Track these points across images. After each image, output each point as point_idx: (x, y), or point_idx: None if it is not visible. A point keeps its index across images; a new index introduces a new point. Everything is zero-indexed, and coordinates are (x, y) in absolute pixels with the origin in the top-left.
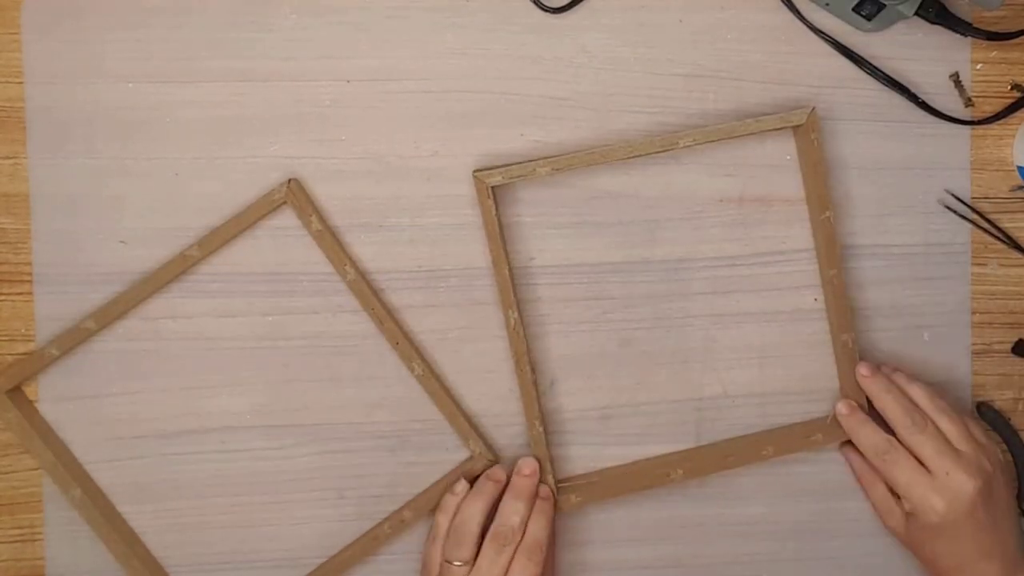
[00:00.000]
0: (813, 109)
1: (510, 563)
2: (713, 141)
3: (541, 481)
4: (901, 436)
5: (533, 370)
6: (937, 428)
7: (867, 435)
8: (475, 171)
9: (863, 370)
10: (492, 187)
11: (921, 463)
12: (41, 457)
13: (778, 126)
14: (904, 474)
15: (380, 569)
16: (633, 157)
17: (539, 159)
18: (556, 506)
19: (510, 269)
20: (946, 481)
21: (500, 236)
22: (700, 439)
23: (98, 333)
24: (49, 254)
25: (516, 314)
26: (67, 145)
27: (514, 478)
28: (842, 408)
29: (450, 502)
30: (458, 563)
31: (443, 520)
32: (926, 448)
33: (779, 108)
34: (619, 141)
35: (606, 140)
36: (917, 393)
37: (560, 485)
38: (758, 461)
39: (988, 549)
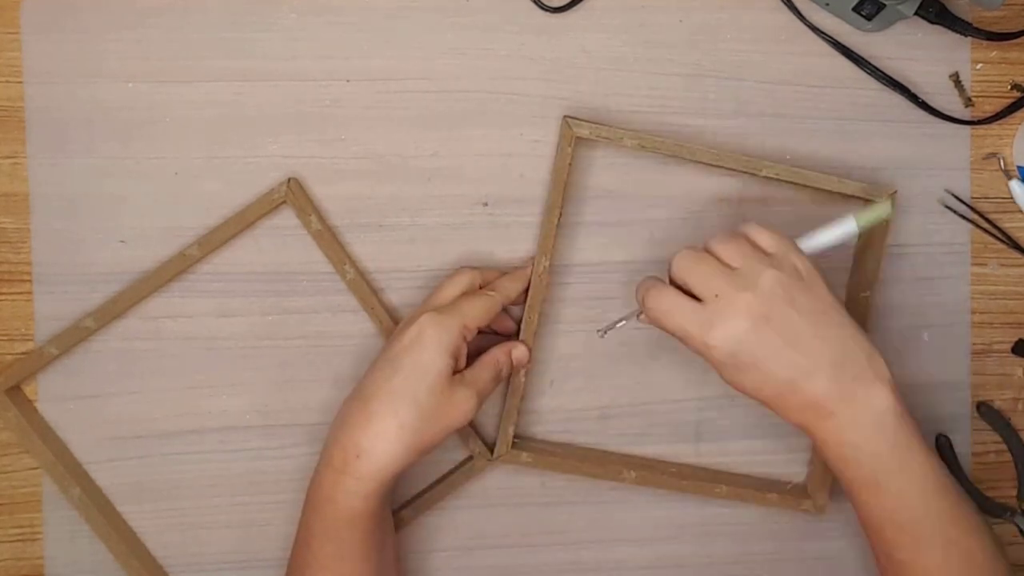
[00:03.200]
0: (895, 193)
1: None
2: (790, 183)
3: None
4: (679, 278)
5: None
6: (713, 257)
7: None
8: (567, 116)
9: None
10: (576, 137)
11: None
12: (40, 456)
13: (858, 194)
14: (672, 316)
15: None
16: (714, 165)
17: (628, 129)
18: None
19: (559, 220)
20: (716, 306)
21: (564, 186)
22: (700, 439)
23: (98, 332)
24: (49, 254)
25: (547, 262)
26: (67, 145)
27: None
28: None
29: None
30: None
31: None
32: (690, 278)
33: (780, 109)
34: (708, 146)
35: None
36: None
37: (518, 440)
38: (710, 497)
39: (802, 366)
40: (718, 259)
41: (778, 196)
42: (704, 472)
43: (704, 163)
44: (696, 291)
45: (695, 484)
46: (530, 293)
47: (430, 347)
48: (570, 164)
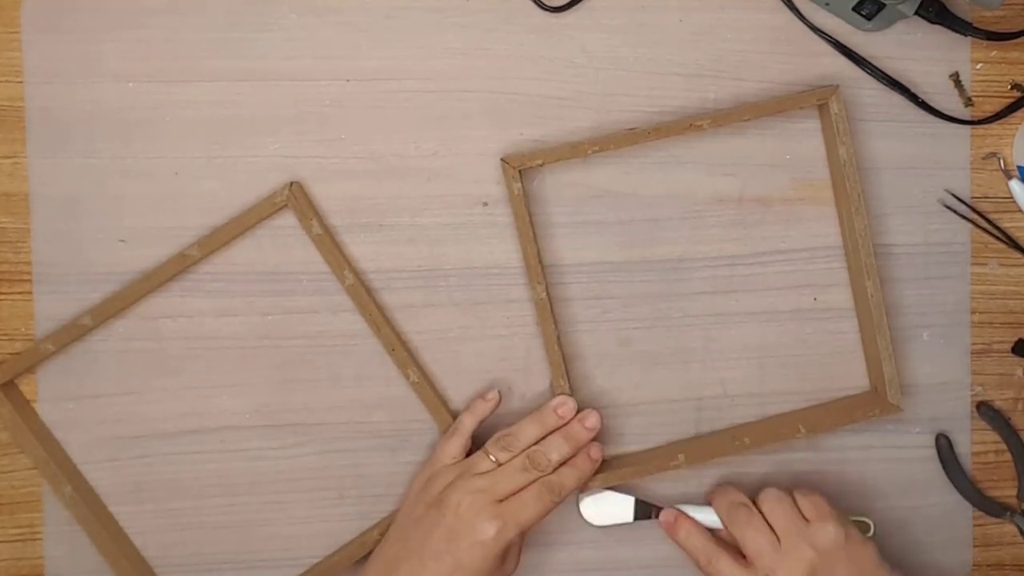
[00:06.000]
0: (837, 87)
1: (527, 485)
2: (733, 123)
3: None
4: (730, 530)
5: (559, 343)
6: (764, 521)
7: (692, 539)
8: (502, 159)
9: (666, 518)
10: (520, 171)
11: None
12: (32, 453)
13: (808, 103)
14: (753, 548)
15: None
16: (659, 138)
17: (562, 144)
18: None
19: (537, 248)
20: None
21: (531, 222)
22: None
23: (98, 333)
24: (49, 254)
25: (544, 289)
26: (67, 145)
27: (575, 423)
28: (668, 517)
29: (480, 408)
30: (492, 459)
31: (469, 421)
32: (748, 546)
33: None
34: (649, 126)
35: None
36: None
37: None
38: (740, 452)
39: None
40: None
41: (776, 196)
42: (734, 430)
43: (649, 141)
44: (781, 536)
45: (727, 446)
46: (541, 326)
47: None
48: (523, 196)
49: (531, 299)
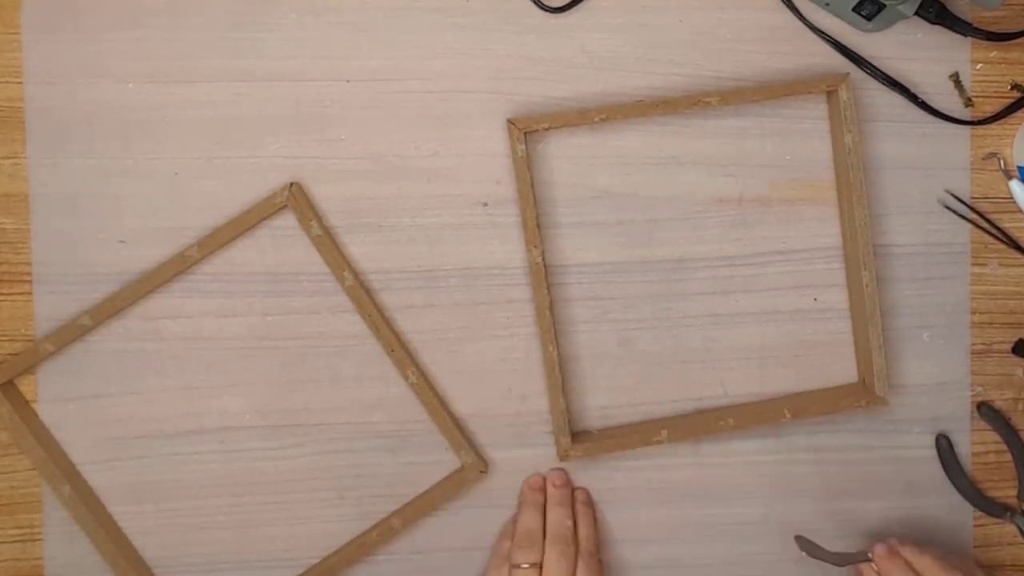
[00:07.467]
0: (848, 75)
1: (575, 564)
2: (741, 103)
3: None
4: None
5: (552, 310)
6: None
7: None
8: (508, 120)
9: (880, 551)
10: (525, 133)
11: None
12: (31, 453)
13: (815, 89)
14: None
15: (382, 570)
16: (664, 114)
17: (568, 110)
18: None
19: (536, 212)
20: None
21: (531, 183)
22: (700, 439)
23: (99, 333)
24: (49, 254)
25: (540, 253)
26: (67, 145)
27: (550, 490)
28: (881, 551)
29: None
30: (526, 565)
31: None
32: None
33: (779, 109)
34: (656, 99)
35: (606, 141)
36: (927, 563)
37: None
38: (776, 423)
39: None
40: None
41: (776, 196)
42: (712, 413)
43: (656, 116)
44: None
45: (757, 416)
46: (534, 291)
47: None
48: (526, 159)
49: (527, 263)
